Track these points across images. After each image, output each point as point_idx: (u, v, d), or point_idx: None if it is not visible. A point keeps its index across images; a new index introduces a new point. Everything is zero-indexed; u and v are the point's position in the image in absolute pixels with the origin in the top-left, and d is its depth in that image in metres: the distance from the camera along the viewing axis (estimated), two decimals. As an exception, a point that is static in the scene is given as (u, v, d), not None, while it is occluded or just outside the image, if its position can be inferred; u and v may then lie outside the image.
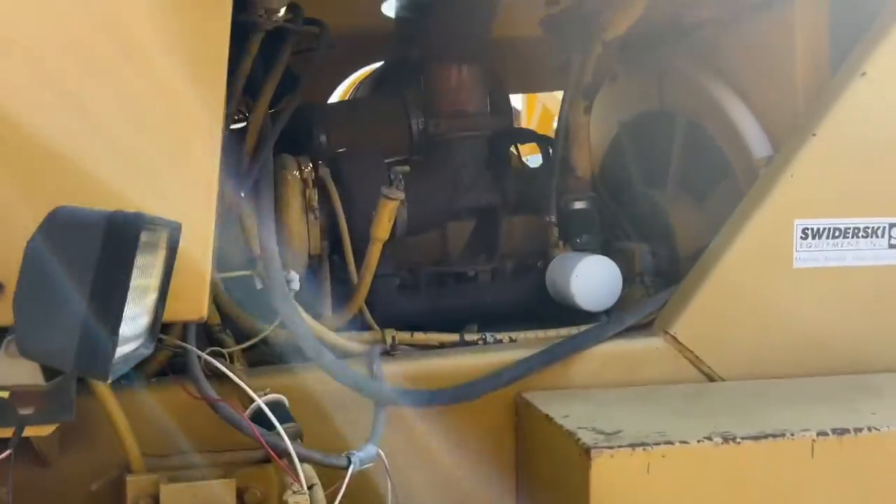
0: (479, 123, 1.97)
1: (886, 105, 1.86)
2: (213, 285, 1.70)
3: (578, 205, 2.28)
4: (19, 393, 1.04)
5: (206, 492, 1.32)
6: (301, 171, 1.82)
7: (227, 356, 1.58)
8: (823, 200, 1.85)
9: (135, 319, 0.97)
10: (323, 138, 2.47)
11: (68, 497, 1.46)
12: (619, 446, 1.33)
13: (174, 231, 1.08)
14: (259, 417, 1.38)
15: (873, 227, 1.87)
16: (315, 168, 1.89)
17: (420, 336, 1.76)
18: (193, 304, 1.21)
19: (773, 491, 1.40)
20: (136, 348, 1.04)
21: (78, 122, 1.13)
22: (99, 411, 1.39)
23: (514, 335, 1.82)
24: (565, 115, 2.21)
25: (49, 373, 1.07)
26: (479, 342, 1.80)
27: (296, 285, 1.76)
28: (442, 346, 1.78)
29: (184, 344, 1.39)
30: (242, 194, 1.62)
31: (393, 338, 1.71)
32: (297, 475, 1.21)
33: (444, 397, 1.57)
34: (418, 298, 2.10)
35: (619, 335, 1.80)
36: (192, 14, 1.17)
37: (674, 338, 1.79)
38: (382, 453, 1.41)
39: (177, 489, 1.30)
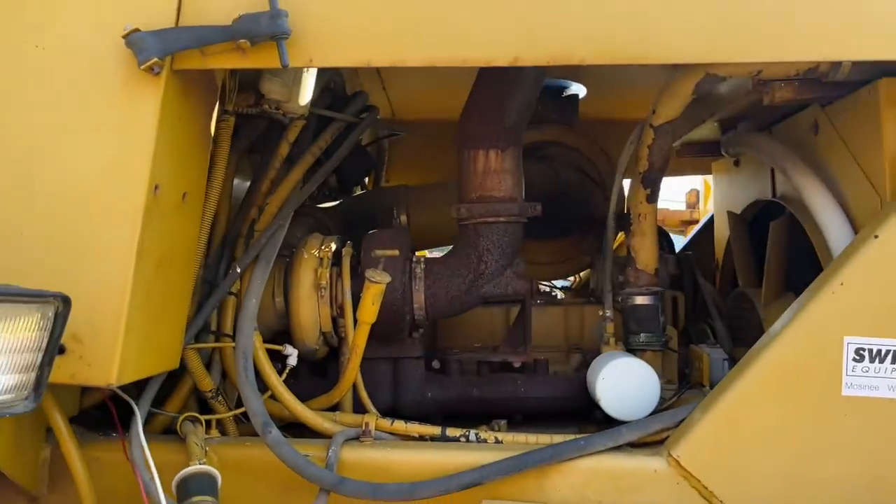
0: (505, 210, 1.90)
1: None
2: (224, 353, 1.81)
3: (640, 300, 2.08)
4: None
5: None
6: (320, 250, 1.89)
7: (203, 422, 1.66)
8: (884, 316, 1.50)
9: None
10: (403, 218, 2.54)
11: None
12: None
13: (63, 302, 1.19)
14: (185, 485, 1.44)
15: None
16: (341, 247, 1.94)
17: (399, 425, 1.70)
18: (102, 371, 1.30)
19: None
20: (10, 402, 1.15)
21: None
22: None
23: (501, 436, 1.69)
24: (615, 202, 2.05)
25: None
26: (461, 439, 1.69)
27: (292, 360, 1.81)
28: (421, 438, 1.70)
29: (132, 402, 1.49)
30: (238, 269, 1.72)
31: (366, 424, 1.67)
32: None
33: (387, 493, 1.49)
34: (447, 385, 2.04)
35: (616, 450, 1.59)
36: (118, 109, 1.31)
37: (676, 461, 1.54)
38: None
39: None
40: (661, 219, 2.44)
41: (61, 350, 1.28)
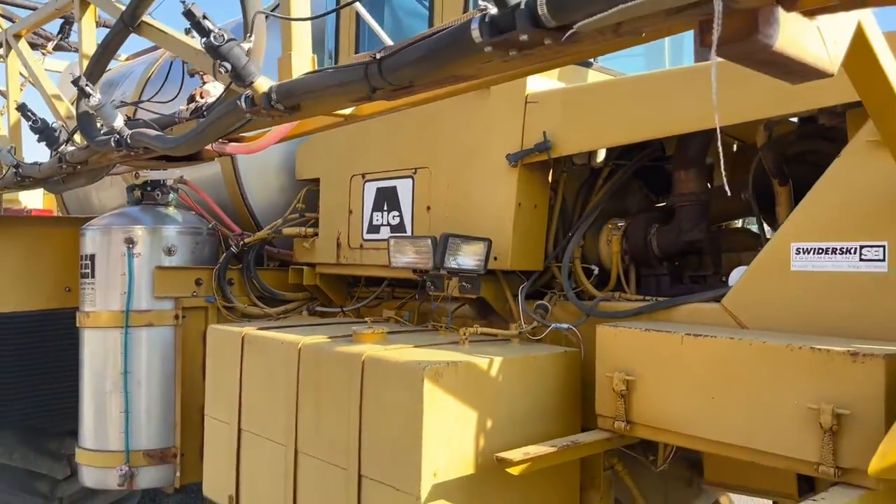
0: (688, 199, 3.81)
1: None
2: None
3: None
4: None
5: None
6: (614, 225, 4.14)
7: (552, 298, 4.13)
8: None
9: (467, 257, 3.79)
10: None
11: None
12: (607, 324, 3.33)
13: (489, 242, 3.85)
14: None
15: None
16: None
17: (624, 294, 3.87)
18: (505, 264, 3.93)
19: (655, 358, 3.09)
20: (474, 268, 3.85)
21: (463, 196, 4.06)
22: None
23: (663, 300, 3.69)
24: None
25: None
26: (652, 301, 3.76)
27: (596, 272, 4.12)
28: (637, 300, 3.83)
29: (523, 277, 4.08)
30: (569, 234, 4.15)
31: (612, 293, 3.90)
32: (519, 317, 3.79)
33: (597, 312, 3.71)
34: (678, 288, 4.02)
35: (703, 303, 3.46)
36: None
37: (723, 305, 3.34)
38: (576, 329, 3.74)
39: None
40: None
41: (495, 258, 3.95)
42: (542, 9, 1.67)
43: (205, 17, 2.64)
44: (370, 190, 4.80)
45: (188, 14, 2.64)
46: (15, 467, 5.93)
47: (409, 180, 4.53)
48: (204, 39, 2.63)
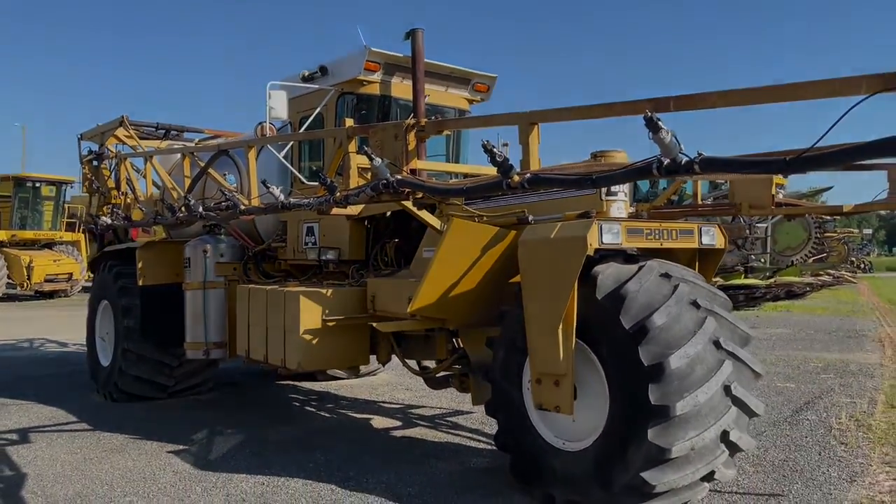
0: (396, 232, 9.72)
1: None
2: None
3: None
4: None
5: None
6: (391, 241, 10.11)
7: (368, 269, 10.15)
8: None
9: (331, 255, 9.77)
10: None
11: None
12: (373, 279, 9.33)
13: (339, 249, 9.84)
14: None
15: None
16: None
17: (393, 269, 9.85)
18: (346, 257, 9.98)
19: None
20: (333, 259, 9.85)
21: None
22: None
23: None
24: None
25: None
26: (396, 270, 9.73)
27: (388, 260, 10.11)
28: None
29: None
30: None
31: (391, 268, 9.88)
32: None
33: (378, 277, 9.68)
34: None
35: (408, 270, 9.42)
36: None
37: (410, 269, 9.29)
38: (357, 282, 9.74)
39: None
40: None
41: (344, 255, 9.97)
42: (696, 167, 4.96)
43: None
44: (304, 227, 10.91)
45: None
46: (152, 358, 12.28)
47: (317, 223, 10.63)
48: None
